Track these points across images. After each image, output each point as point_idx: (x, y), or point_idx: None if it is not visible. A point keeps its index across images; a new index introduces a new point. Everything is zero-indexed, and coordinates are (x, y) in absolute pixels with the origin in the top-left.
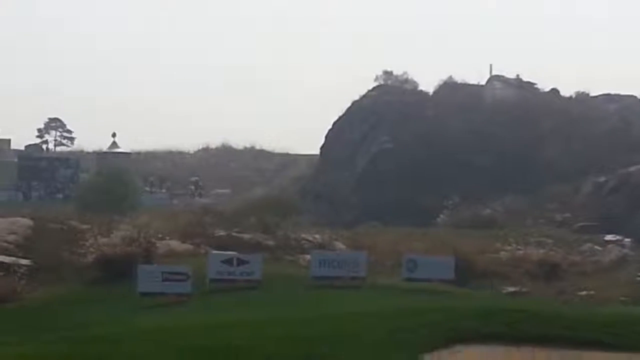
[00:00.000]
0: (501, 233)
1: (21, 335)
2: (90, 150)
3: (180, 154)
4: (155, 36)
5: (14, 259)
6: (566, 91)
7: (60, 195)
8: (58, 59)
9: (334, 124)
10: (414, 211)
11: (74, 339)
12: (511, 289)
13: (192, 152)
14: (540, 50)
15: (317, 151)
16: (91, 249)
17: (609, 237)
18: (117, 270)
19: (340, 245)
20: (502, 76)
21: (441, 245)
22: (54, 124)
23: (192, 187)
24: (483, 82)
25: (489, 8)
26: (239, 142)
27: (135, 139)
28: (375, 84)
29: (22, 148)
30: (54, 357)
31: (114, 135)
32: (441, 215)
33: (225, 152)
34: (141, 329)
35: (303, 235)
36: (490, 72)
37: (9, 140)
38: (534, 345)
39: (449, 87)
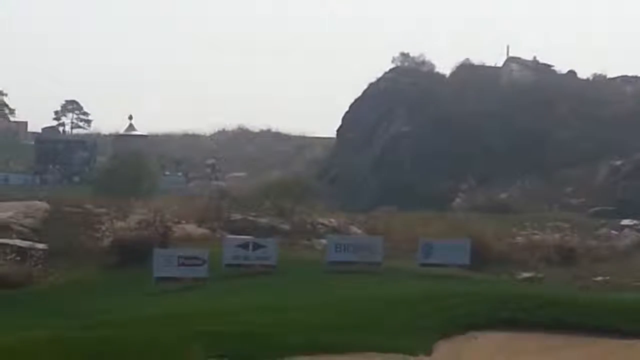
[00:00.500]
0: (517, 217)
1: (37, 320)
2: (106, 132)
3: (197, 136)
4: (171, 24)
5: (30, 243)
6: (583, 73)
7: (76, 179)
8: (75, 42)
9: (351, 106)
10: (430, 195)
11: (89, 323)
12: (527, 275)
13: (208, 134)
14: (558, 31)
15: (333, 133)
16: (107, 233)
17: (625, 222)
18: (133, 254)
19: (356, 229)
20: (519, 58)
21: (457, 229)
22: (71, 106)
23: (209, 170)
24: (500, 64)
25: None
26: (256, 124)
27: (152, 122)
28: (392, 66)
29: (39, 131)
30: (68, 341)
31: (130, 117)
32: (457, 199)
33: (242, 135)
34: (155, 314)
35: (319, 220)
36: (507, 53)
37: (25, 123)
38: (550, 331)
39: (466, 69)
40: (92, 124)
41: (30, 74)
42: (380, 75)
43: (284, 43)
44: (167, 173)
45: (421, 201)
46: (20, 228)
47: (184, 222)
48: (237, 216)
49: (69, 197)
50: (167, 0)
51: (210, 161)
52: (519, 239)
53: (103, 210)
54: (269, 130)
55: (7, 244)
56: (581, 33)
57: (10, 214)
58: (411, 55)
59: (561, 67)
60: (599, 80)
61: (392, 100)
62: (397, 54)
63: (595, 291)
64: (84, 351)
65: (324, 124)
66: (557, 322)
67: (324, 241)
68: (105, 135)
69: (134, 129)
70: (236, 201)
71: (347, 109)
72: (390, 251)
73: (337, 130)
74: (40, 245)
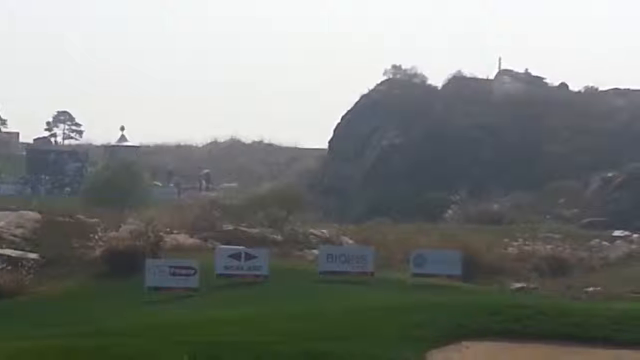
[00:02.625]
0: (509, 228)
1: (28, 330)
2: (98, 143)
3: (189, 147)
4: (161, 34)
5: (21, 252)
6: (575, 85)
7: (68, 189)
8: (67, 53)
9: (343, 117)
10: (422, 206)
11: (80, 333)
12: (519, 285)
13: (200, 145)
14: (550, 44)
15: (325, 145)
16: (99, 243)
17: (617, 233)
18: (124, 264)
19: (347, 240)
20: (511, 70)
21: (449, 240)
22: (63, 117)
23: (203, 181)
24: (492, 77)
25: (498, 1)
26: (248, 136)
27: (144, 133)
28: (384, 78)
29: (31, 141)
30: (58, 351)
31: (122, 128)
32: (449, 211)
33: (234, 146)
34: (147, 323)
35: (311, 230)
36: (499, 66)
37: (17, 134)
38: (542, 341)
39: (458, 81)
40: (84, 135)
41: (22, 85)
42: (372, 87)
43: (277, 55)
44: (158, 184)
45: (413, 212)
46: (12, 238)
47: (175, 232)
48: (228, 226)
49: (60, 207)
50: (159, 13)
51: (204, 171)
52: (511, 249)
53: (95, 220)
54: (261, 142)
55: None
56: (573, 46)
57: (1, 223)
58: (403, 67)
59: (553, 80)
60: (591, 93)
61: (384, 112)
62: (389, 66)
63: (587, 302)
64: None
65: (316, 135)
66: (549, 332)
67: (315, 251)
68: (97, 146)
69: (125, 140)
70: (228, 211)
71: (339, 120)
72: (382, 261)
73: (329, 142)
74: (32, 255)
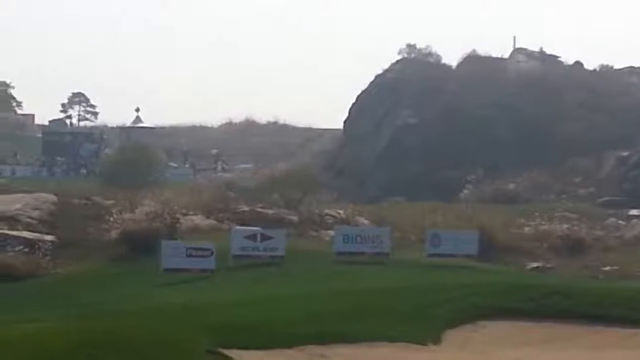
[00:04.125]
0: (525, 208)
1: (45, 311)
2: (113, 125)
3: (204, 128)
4: (176, 15)
5: (38, 234)
6: (590, 64)
7: (84, 171)
8: (82, 34)
9: (358, 98)
10: (437, 186)
11: (96, 314)
12: (535, 265)
13: (215, 126)
14: (565, 22)
15: (340, 125)
16: (115, 225)
17: (633, 212)
18: (141, 246)
19: (363, 220)
20: (526, 49)
21: (465, 220)
22: (78, 98)
23: (219, 162)
24: (506, 56)
25: None
26: (263, 116)
27: (159, 114)
28: (398, 58)
29: (46, 123)
30: (74, 332)
31: (137, 110)
32: (465, 190)
33: (249, 127)
34: (163, 305)
35: (326, 211)
36: (514, 44)
37: (32, 116)
38: (558, 321)
39: (472, 61)
40: (99, 117)
41: (37, 67)
42: (387, 66)
43: (291, 34)
44: (174, 165)
45: (429, 192)
46: (28, 220)
47: (191, 213)
48: (244, 207)
49: (76, 189)
50: None
51: (214, 151)
52: (527, 229)
53: (111, 202)
54: (276, 122)
55: (15, 236)
56: (588, 24)
57: (18, 206)
58: (418, 46)
59: (568, 58)
60: (606, 71)
61: (399, 91)
62: (403, 46)
63: (603, 281)
64: (91, 342)
65: (331, 115)
66: (565, 311)
67: (331, 232)
68: (112, 128)
69: (140, 121)
70: (244, 192)
71: (354, 100)
72: (398, 242)
73: (344, 122)
74: (48, 237)
